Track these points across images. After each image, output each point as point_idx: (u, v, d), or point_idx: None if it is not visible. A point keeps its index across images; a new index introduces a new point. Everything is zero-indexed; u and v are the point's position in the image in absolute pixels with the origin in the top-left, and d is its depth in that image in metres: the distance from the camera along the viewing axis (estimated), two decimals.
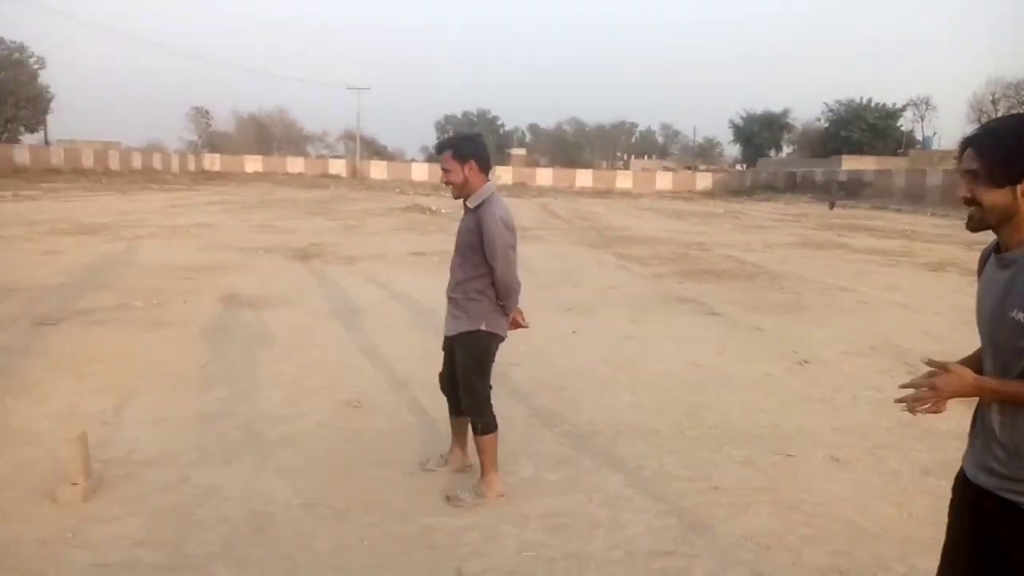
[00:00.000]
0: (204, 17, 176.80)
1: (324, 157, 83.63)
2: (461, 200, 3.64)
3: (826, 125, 67.92)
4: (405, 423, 4.70)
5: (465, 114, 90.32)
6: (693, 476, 3.97)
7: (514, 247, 3.59)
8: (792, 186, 55.33)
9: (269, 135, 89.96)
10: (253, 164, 69.00)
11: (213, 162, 68.78)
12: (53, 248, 12.57)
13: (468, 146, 3.60)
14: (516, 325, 3.81)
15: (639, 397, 5.34)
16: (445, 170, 3.56)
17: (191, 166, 65.18)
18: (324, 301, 8.79)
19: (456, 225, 3.73)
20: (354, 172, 67.08)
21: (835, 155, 57.32)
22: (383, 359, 6.19)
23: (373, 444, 4.30)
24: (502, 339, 3.70)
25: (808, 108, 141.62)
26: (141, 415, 4.62)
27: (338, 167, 70.83)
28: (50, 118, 53.72)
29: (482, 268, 3.54)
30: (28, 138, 52.08)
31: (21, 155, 45.32)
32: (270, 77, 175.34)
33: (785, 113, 75.42)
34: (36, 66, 50.89)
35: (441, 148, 3.60)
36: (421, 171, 67.74)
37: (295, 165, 70.87)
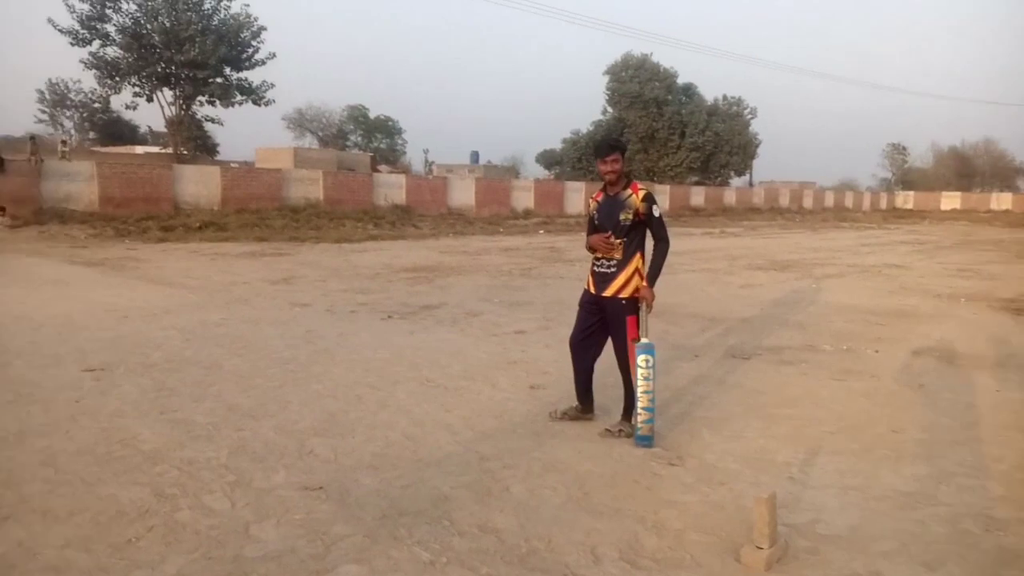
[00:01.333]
0: (905, 53, 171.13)
1: None
2: None
3: None
4: None
5: None
6: None
7: None
8: None
9: (971, 168, 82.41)
10: (949, 201, 64.49)
11: (906, 199, 66.87)
12: (749, 282, 13.45)
13: None
14: None
15: None
16: None
17: (882, 204, 64.38)
18: None
19: None
20: None
21: None
22: None
23: None
24: None
25: None
26: (828, 478, 4.20)
27: None
28: (755, 162, 59.46)
29: None
30: (735, 180, 58.86)
31: (729, 196, 51.98)
32: (979, 105, 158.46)
33: None
34: (749, 116, 56.97)
35: None
36: None
37: (1000, 201, 63.38)
